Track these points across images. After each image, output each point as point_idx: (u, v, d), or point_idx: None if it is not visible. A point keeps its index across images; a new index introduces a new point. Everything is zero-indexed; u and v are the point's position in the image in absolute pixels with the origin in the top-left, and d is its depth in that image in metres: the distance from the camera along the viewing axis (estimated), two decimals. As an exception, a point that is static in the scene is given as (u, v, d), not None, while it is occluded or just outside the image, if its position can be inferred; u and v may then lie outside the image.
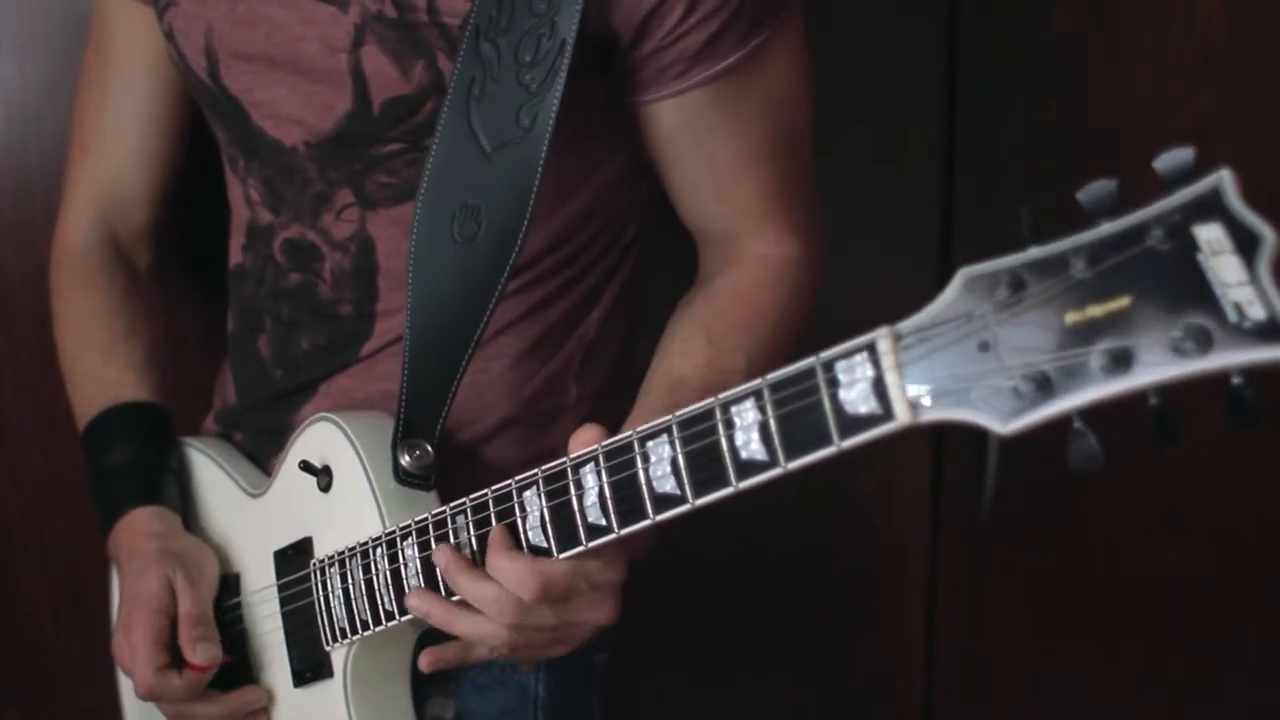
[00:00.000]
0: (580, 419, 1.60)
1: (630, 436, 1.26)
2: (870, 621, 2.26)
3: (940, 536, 2.21)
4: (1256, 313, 0.93)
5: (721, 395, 1.18)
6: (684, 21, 1.46)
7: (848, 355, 1.09)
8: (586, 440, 1.32)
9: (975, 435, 2.09)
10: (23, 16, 2.02)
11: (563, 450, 1.35)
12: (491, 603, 1.36)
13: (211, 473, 1.72)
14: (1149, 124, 2.06)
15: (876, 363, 1.07)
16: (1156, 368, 0.95)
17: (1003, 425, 1.01)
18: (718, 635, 2.22)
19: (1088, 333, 0.98)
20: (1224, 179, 0.95)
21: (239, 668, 1.63)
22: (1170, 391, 0.97)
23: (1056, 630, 2.25)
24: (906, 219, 2.12)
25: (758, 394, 1.15)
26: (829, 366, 1.10)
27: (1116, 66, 2.07)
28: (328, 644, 1.54)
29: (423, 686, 1.58)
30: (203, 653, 1.57)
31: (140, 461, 1.69)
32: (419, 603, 1.42)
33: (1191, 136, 1.99)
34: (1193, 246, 0.95)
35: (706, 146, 1.55)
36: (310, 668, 1.57)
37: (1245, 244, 0.93)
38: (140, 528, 1.64)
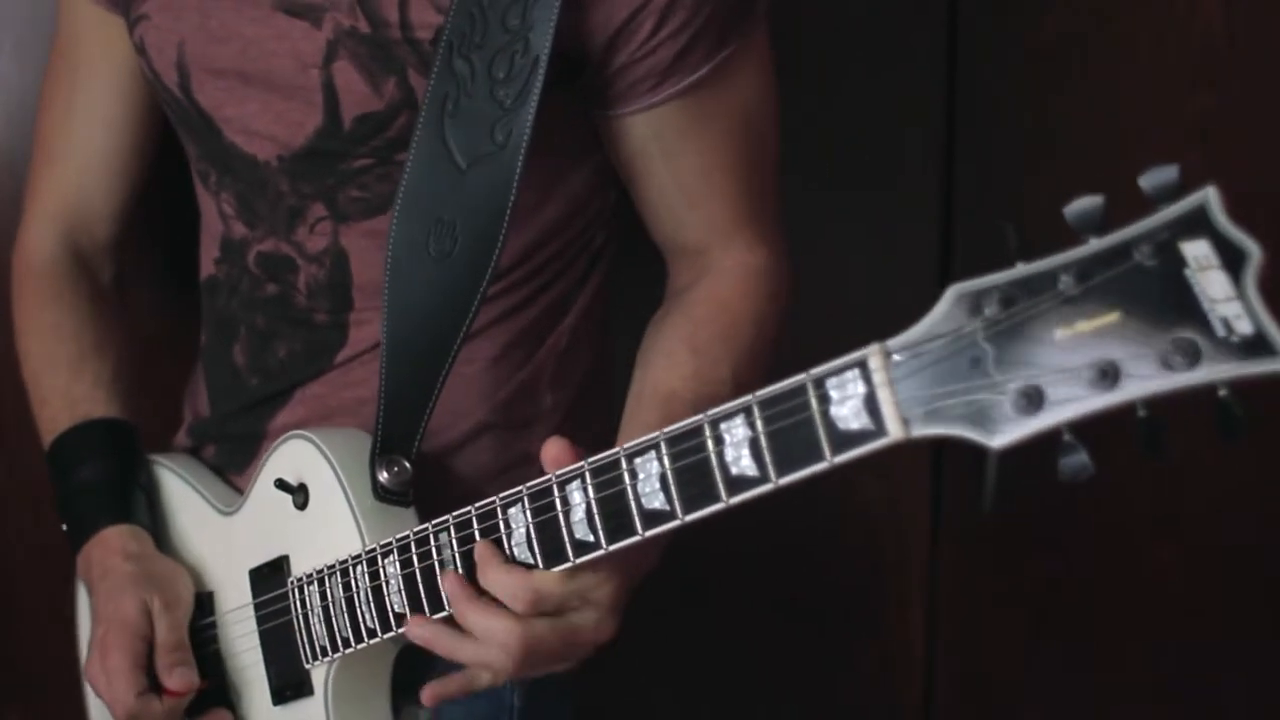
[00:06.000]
0: (555, 427, 1.61)
1: (617, 453, 1.25)
2: (871, 625, 2.26)
3: (940, 539, 2.21)
4: (1244, 327, 0.93)
5: (710, 412, 1.18)
6: (654, 36, 1.46)
7: (839, 372, 1.09)
8: (554, 454, 1.31)
9: (975, 437, 2.11)
10: (23, 18, 2.03)
11: (537, 457, 1.34)
12: (500, 632, 1.34)
13: (180, 490, 1.71)
14: (1149, 124, 2.07)
15: (868, 379, 1.07)
16: (1145, 381, 0.96)
17: (994, 440, 1.01)
18: (718, 637, 2.23)
19: (1077, 348, 0.98)
20: (1209, 196, 0.96)
21: (215, 687, 1.62)
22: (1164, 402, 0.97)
23: (1056, 632, 2.25)
24: (906, 220, 2.12)
25: (747, 410, 1.15)
26: (820, 383, 1.10)
27: (1116, 66, 2.07)
28: (307, 662, 1.54)
29: (397, 696, 1.57)
30: (179, 678, 1.57)
31: (111, 479, 1.68)
32: (422, 631, 1.40)
33: (1191, 136, 2.02)
34: (1180, 262, 0.96)
35: (676, 157, 1.55)
36: (290, 685, 1.57)
37: (1232, 260, 0.94)
38: (113, 546, 1.63)
